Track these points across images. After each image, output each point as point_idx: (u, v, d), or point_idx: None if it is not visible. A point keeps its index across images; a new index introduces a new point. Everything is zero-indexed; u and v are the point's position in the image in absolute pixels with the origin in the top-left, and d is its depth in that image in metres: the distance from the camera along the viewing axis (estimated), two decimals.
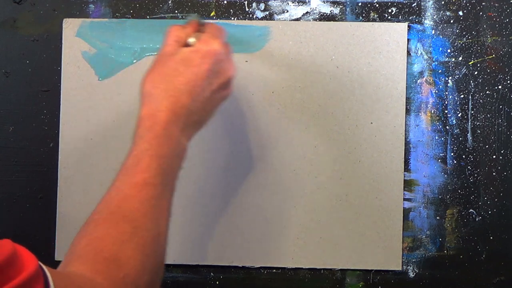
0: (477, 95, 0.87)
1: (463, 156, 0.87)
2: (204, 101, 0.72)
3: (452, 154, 0.87)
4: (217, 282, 0.88)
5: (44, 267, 0.55)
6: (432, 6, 0.87)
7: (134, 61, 0.88)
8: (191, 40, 0.74)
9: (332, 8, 0.88)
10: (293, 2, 0.88)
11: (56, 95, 0.89)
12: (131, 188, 0.66)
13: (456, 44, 0.87)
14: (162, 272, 0.67)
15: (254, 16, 0.88)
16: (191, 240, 0.87)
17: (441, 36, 0.87)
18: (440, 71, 0.87)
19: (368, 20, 0.87)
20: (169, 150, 0.69)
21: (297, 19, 0.88)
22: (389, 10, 0.87)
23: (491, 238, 0.86)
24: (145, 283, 0.63)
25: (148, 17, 0.89)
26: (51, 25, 0.89)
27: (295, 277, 0.88)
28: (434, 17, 0.87)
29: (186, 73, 0.71)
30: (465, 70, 0.87)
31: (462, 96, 0.87)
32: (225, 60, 0.74)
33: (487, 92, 0.87)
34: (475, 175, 0.86)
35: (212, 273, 0.88)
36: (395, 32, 0.86)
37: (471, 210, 0.87)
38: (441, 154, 0.87)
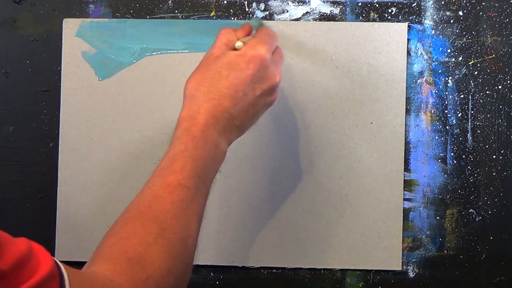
0: (477, 95, 0.87)
1: (463, 156, 0.87)
2: (246, 106, 0.72)
3: (452, 154, 0.87)
4: (217, 282, 0.88)
5: (61, 265, 0.55)
6: (432, 6, 0.87)
7: (134, 61, 0.88)
8: (238, 44, 0.74)
9: (332, 8, 0.88)
10: (293, 2, 0.88)
11: (56, 95, 0.89)
12: (163, 189, 0.66)
13: (456, 44, 0.87)
14: (189, 275, 0.66)
15: (254, 16, 0.88)
16: None
17: (441, 36, 0.87)
18: (440, 71, 0.87)
19: (368, 20, 0.87)
20: (206, 153, 0.68)
21: (297, 19, 0.88)
22: (389, 10, 0.87)
23: (491, 238, 0.86)
24: (170, 286, 0.63)
25: (148, 17, 0.89)
26: (51, 25, 0.89)
27: (295, 277, 0.87)
28: (434, 17, 0.87)
29: (229, 77, 0.71)
30: (465, 70, 0.87)
31: (462, 96, 0.87)
32: (271, 66, 0.73)
33: (487, 92, 0.87)
34: (475, 175, 0.86)
35: (212, 273, 0.88)
36: (395, 32, 0.86)
37: (471, 210, 0.87)
38: (441, 154, 0.87)
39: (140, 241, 0.62)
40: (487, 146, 0.86)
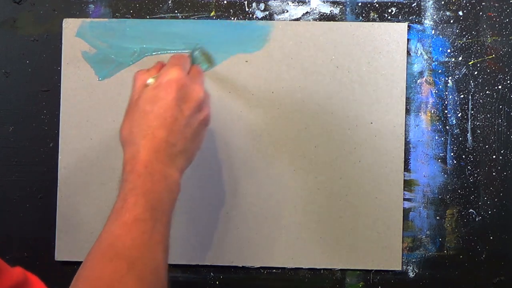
0: (477, 95, 0.87)
1: (463, 156, 0.87)
2: (181, 129, 0.72)
3: (452, 154, 0.87)
4: (217, 282, 0.88)
5: None
6: (432, 6, 0.87)
7: (134, 61, 0.88)
8: (150, 80, 0.74)
9: (332, 8, 0.88)
10: (293, 2, 0.88)
11: (56, 95, 0.89)
12: (121, 227, 0.66)
13: (456, 44, 0.87)
14: None
15: (254, 16, 0.88)
16: (191, 240, 0.87)
17: (441, 36, 0.87)
18: (440, 71, 0.87)
19: (368, 20, 0.87)
20: (156, 186, 0.69)
21: (297, 19, 0.88)
22: (389, 10, 0.87)
23: (491, 238, 0.86)
24: None
25: (148, 17, 0.89)
26: (51, 25, 0.89)
27: (295, 277, 0.88)
28: (434, 17, 0.87)
29: (154, 109, 0.71)
30: (465, 70, 0.87)
31: (462, 96, 0.87)
32: (190, 84, 0.74)
33: (487, 92, 0.87)
34: (475, 175, 0.87)
35: (212, 273, 0.88)
36: (395, 32, 0.86)
37: (471, 210, 0.87)
38: (441, 154, 0.87)
39: (112, 277, 0.63)
40: (487, 146, 0.86)
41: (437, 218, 0.87)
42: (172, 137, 0.71)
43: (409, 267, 0.87)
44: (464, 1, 0.87)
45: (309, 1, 0.88)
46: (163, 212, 0.69)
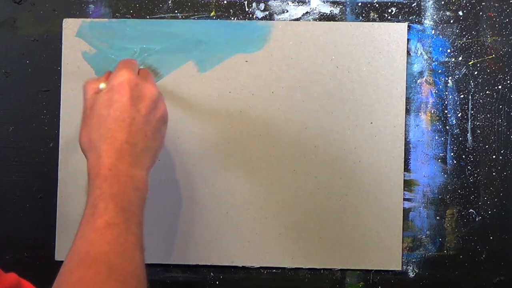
0: (477, 95, 0.87)
1: (463, 156, 0.87)
2: (140, 128, 0.72)
3: (452, 154, 0.87)
4: (217, 282, 0.88)
5: None
6: (432, 6, 0.87)
7: None
8: (102, 85, 0.75)
9: (332, 8, 0.88)
10: (293, 2, 0.88)
11: (56, 95, 0.89)
12: (95, 233, 0.66)
13: (456, 44, 0.87)
14: None
15: (254, 16, 0.88)
16: (191, 240, 0.87)
17: (441, 36, 0.87)
18: (440, 71, 0.87)
19: (368, 20, 0.87)
20: (123, 187, 0.69)
21: (297, 19, 0.88)
22: (389, 10, 0.87)
23: (491, 238, 0.86)
24: None
25: (148, 17, 0.89)
26: (51, 25, 0.89)
27: (295, 277, 0.88)
28: (434, 17, 0.87)
29: (111, 113, 0.72)
30: (465, 70, 0.87)
31: (462, 96, 0.87)
32: (141, 83, 0.74)
33: (487, 92, 0.87)
34: (475, 175, 0.86)
35: (212, 273, 0.88)
36: (395, 32, 0.86)
37: (471, 210, 0.87)
38: (441, 154, 0.87)
39: (93, 281, 0.63)
40: (487, 146, 0.86)
41: (437, 218, 0.87)
42: (132, 137, 0.71)
43: (409, 267, 0.87)
44: (464, 1, 0.87)
45: (309, 1, 0.88)
46: (133, 212, 0.69)
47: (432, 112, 0.87)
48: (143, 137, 0.73)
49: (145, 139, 0.73)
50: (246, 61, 0.87)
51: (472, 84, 0.87)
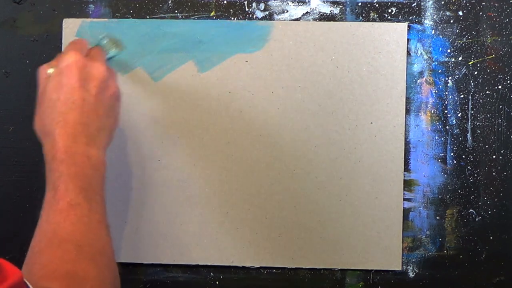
0: (477, 95, 0.87)
1: (463, 156, 0.87)
2: (92, 109, 0.73)
3: (452, 154, 0.87)
4: (217, 282, 0.88)
5: (28, 282, 0.56)
6: (432, 6, 0.87)
7: (134, 61, 0.88)
8: (50, 70, 0.75)
9: (332, 8, 0.88)
10: (293, 2, 0.88)
11: None
12: (59, 215, 0.67)
13: (456, 44, 0.87)
14: (118, 282, 0.69)
15: (254, 16, 0.88)
16: (191, 240, 0.87)
17: (441, 36, 0.87)
18: (440, 71, 0.87)
19: (368, 20, 0.87)
20: (80, 168, 0.70)
21: (297, 19, 0.88)
22: (389, 10, 0.87)
23: (491, 238, 0.86)
24: None
25: (148, 17, 0.89)
26: (51, 25, 0.89)
27: (295, 277, 0.87)
28: (434, 17, 0.87)
29: (60, 96, 0.72)
30: (465, 70, 0.87)
31: (462, 96, 0.87)
32: (88, 64, 0.74)
33: (487, 92, 0.87)
34: (475, 175, 0.86)
35: (212, 273, 0.88)
36: (395, 32, 0.86)
37: (471, 210, 0.87)
38: (441, 154, 0.87)
39: (64, 260, 0.64)
40: (487, 146, 0.86)
41: (437, 218, 0.87)
42: (84, 118, 0.72)
43: (409, 267, 0.87)
44: (464, 1, 0.87)
45: (309, 1, 0.88)
46: (94, 191, 0.70)
47: (432, 112, 0.87)
48: (96, 116, 0.73)
49: (98, 119, 0.73)
50: (246, 61, 0.87)
51: (472, 84, 0.87)
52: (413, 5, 0.87)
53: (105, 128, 0.74)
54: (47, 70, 0.75)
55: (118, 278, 0.69)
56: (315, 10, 0.88)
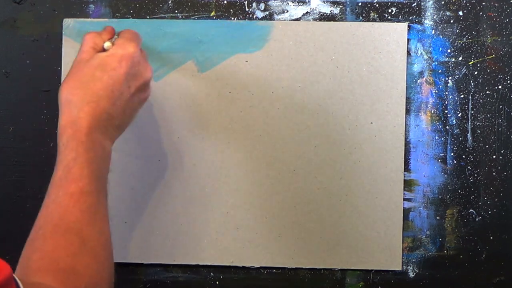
0: (477, 95, 0.87)
1: (463, 156, 0.87)
2: (123, 104, 0.73)
3: (452, 154, 0.87)
4: (217, 282, 0.88)
5: (16, 278, 0.55)
6: (432, 6, 0.87)
7: None
8: (107, 44, 0.75)
9: (332, 8, 0.88)
10: (293, 2, 0.88)
11: (56, 95, 0.88)
12: (68, 199, 0.66)
13: (456, 44, 0.87)
14: (113, 277, 0.68)
15: (254, 16, 0.88)
16: (191, 240, 0.87)
17: (441, 36, 0.87)
18: (440, 71, 0.87)
19: (368, 20, 0.87)
20: (96, 155, 0.69)
21: (297, 19, 0.88)
22: (389, 10, 0.87)
23: (491, 238, 0.86)
24: None
25: (148, 17, 0.89)
26: (51, 25, 0.89)
27: (295, 277, 0.87)
28: (434, 17, 0.87)
29: (103, 78, 0.71)
30: (465, 70, 0.87)
31: (462, 96, 0.87)
32: (142, 63, 0.75)
33: (487, 92, 0.87)
34: (475, 175, 0.86)
35: (212, 273, 0.88)
36: (395, 32, 0.86)
37: (471, 210, 0.87)
38: (441, 154, 0.87)
39: (66, 253, 0.64)
40: (487, 146, 0.86)
41: (437, 218, 0.87)
42: (113, 111, 0.71)
43: (409, 267, 0.87)
44: (464, 1, 0.87)
45: (309, 1, 0.88)
46: (103, 183, 0.70)
47: (432, 112, 0.87)
48: (123, 113, 0.73)
49: (123, 115, 0.73)
50: (246, 61, 0.87)
51: (472, 84, 0.87)
52: (413, 5, 0.87)
53: (122, 126, 0.74)
54: (102, 42, 0.74)
55: (114, 274, 0.69)
56: (315, 10, 0.88)
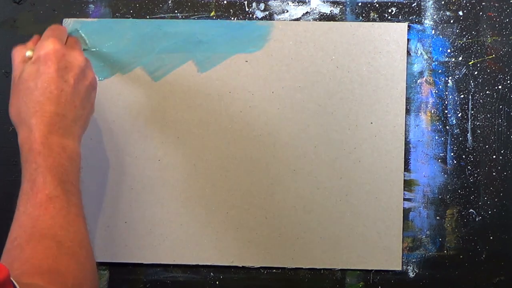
0: (477, 95, 0.87)
1: (463, 156, 0.87)
2: (69, 99, 0.72)
3: (452, 154, 0.87)
4: (217, 282, 0.88)
5: (13, 280, 0.56)
6: (432, 6, 0.87)
7: (134, 61, 0.88)
8: (28, 53, 0.75)
9: (332, 8, 0.88)
10: (293, 2, 0.88)
11: None
12: (37, 208, 0.67)
13: (456, 44, 0.87)
14: (97, 274, 0.69)
15: (254, 16, 0.88)
16: (191, 240, 0.87)
17: (441, 36, 0.87)
18: (440, 71, 0.87)
19: (368, 20, 0.87)
20: (56, 159, 0.70)
21: (297, 19, 0.88)
22: (389, 10, 0.87)
23: (491, 238, 0.86)
24: None
25: (148, 17, 0.89)
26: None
27: (295, 277, 0.87)
28: (434, 17, 0.87)
29: (38, 85, 0.72)
30: (465, 70, 0.87)
31: (462, 96, 0.87)
32: (69, 53, 0.74)
33: (487, 92, 0.87)
34: (475, 175, 0.86)
35: (212, 273, 0.88)
36: (395, 32, 0.86)
37: (471, 210, 0.87)
38: (441, 154, 0.87)
39: (46, 255, 0.64)
40: (487, 146, 0.86)
41: (437, 218, 0.87)
42: (61, 109, 0.72)
43: (409, 267, 0.87)
44: (464, 1, 0.87)
45: (309, 1, 0.88)
46: (71, 183, 0.70)
47: (432, 112, 0.87)
48: (73, 108, 0.73)
49: (75, 110, 0.73)
50: (246, 61, 0.87)
51: (472, 84, 0.87)
52: (413, 5, 0.87)
53: (81, 119, 0.74)
54: (25, 53, 0.75)
55: (96, 271, 0.70)
56: (315, 10, 0.88)
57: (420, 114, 0.87)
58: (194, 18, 0.88)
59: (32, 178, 0.69)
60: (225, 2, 0.88)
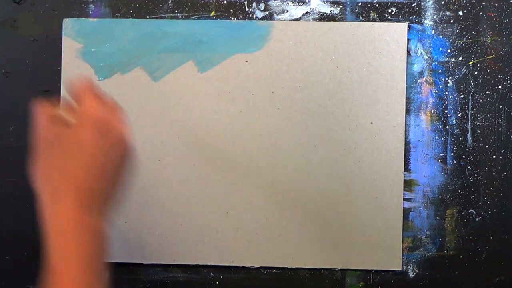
0: (477, 95, 0.87)
1: (463, 156, 0.87)
2: (112, 178, 0.66)
3: (452, 154, 0.87)
4: (217, 282, 0.88)
5: None
6: (432, 6, 0.87)
7: (134, 61, 0.88)
8: (68, 118, 0.66)
9: (332, 8, 0.88)
10: (293, 2, 0.88)
11: (56, 95, 0.89)
12: None
13: (456, 44, 0.87)
14: None
15: (254, 16, 0.88)
16: (191, 240, 0.87)
17: (441, 36, 0.87)
18: (440, 71, 0.87)
19: (368, 20, 0.87)
20: (88, 248, 0.63)
21: (297, 19, 0.88)
22: (389, 10, 0.87)
23: (491, 238, 0.86)
24: None
25: (148, 17, 0.89)
26: (51, 25, 0.89)
27: (295, 277, 0.88)
28: (434, 17, 0.87)
29: (79, 155, 0.64)
30: (465, 70, 0.87)
31: (462, 96, 0.87)
32: (112, 120, 0.67)
33: (487, 92, 0.87)
34: (475, 175, 0.86)
35: (212, 273, 0.88)
36: (395, 32, 0.86)
37: (471, 210, 0.87)
38: (441, 154, 0.87)
39: None
40: (487, 146, 0.86)
41: (437, 218, 0.87)
42: (100, 186, 0.64)
43: (409, 267, 0.87)
44: (464, 1, 0.87)
45: (309, 1, 0.88)
46: (100, 270, 0.64)
47: (432, 112, 0.87)
48: (112, 186, 0.66)
49: (112, 189, 0.66)
50: (246, 61, 0.87)
51: (472, 84, 0.87)
52: (413, 5, 0.87)
53: (113, 197, 0.67)
54: (55, 113, 0.66)
55: None
56: (315, 10, 0.88)
57: (420, 114, 0.87)
58: (194, 18, 0.88)
59: (61, 270, 0.62)
60: (225, 2, 0.88)
